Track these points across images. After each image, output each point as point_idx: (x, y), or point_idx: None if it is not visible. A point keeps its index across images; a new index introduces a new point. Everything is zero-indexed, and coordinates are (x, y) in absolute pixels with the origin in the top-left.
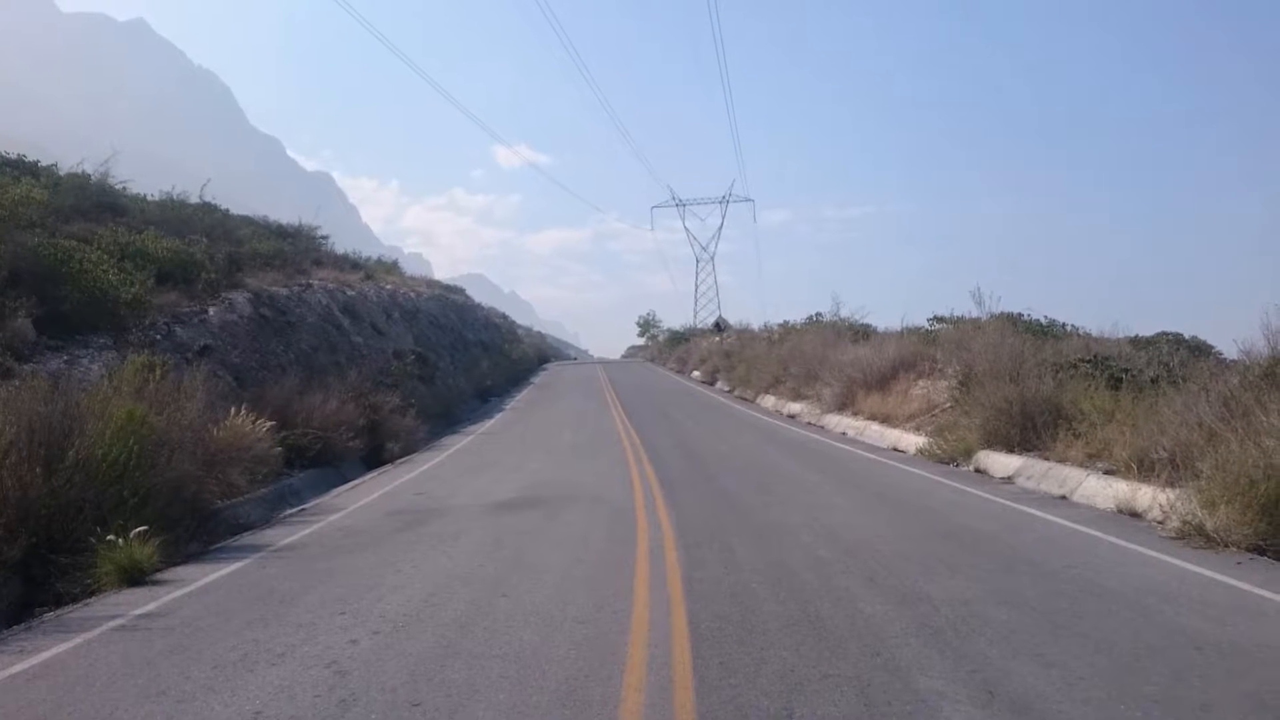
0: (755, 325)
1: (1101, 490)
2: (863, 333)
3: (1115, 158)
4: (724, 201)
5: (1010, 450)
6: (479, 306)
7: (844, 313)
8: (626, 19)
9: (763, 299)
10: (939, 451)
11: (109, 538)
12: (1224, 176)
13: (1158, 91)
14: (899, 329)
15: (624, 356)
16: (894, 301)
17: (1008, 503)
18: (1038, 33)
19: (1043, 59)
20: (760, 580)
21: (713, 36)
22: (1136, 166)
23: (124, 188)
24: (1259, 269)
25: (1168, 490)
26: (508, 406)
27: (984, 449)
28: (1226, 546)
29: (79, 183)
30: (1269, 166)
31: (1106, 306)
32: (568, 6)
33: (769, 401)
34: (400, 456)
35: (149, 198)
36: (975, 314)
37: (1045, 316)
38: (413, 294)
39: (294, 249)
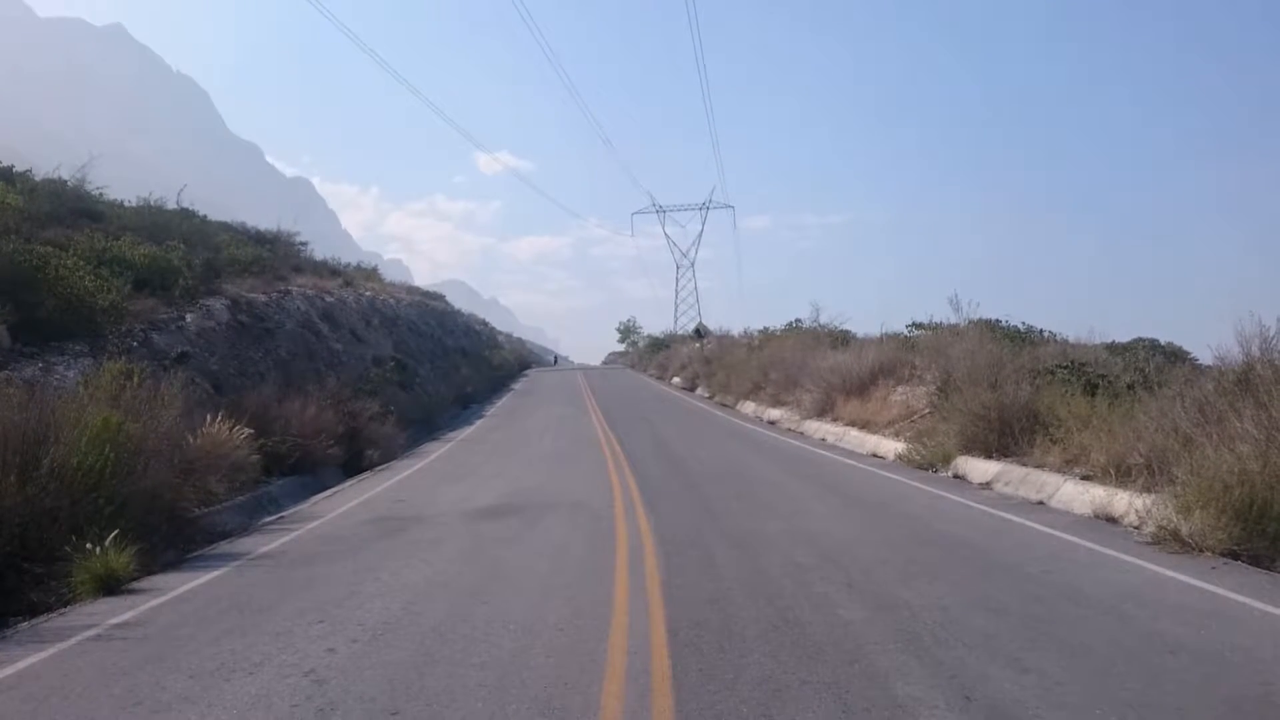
0: (735, 331)
1: (1078, 495)
2: (842, 339)
3: (1093, 167)
4: (704, 208)
5: (988, 456)
6: (459, 313)
7: (823, 319)
8: (608, 28)
9: (743, 305)
10: (918, 457)
11: (85, 546)
12: (1206, 187)
13: (1133, 100)
14: (878, 335)
15: (604, 363)
16: (873, 307)
17: (986, 508)
18: (1013, 44)
19: (1021, 72)
20: (739, 587)
21: (693, 46)
22: (1113, 174)
23: (101, 193)
24: (1236, 276)
25: (1144, 495)
26: (488, 413)
27: (962, 455)
28: (1202, 551)
29: (55, 188)
30: (1250, 179)
31: (1083, 313)
32: (549, 14)
33: (749, 408)
34: (379, 463)
35: (126, 203)
36: (954, 320)
37: (1023, 323)
38: (392, 300)
39: (273, 255)
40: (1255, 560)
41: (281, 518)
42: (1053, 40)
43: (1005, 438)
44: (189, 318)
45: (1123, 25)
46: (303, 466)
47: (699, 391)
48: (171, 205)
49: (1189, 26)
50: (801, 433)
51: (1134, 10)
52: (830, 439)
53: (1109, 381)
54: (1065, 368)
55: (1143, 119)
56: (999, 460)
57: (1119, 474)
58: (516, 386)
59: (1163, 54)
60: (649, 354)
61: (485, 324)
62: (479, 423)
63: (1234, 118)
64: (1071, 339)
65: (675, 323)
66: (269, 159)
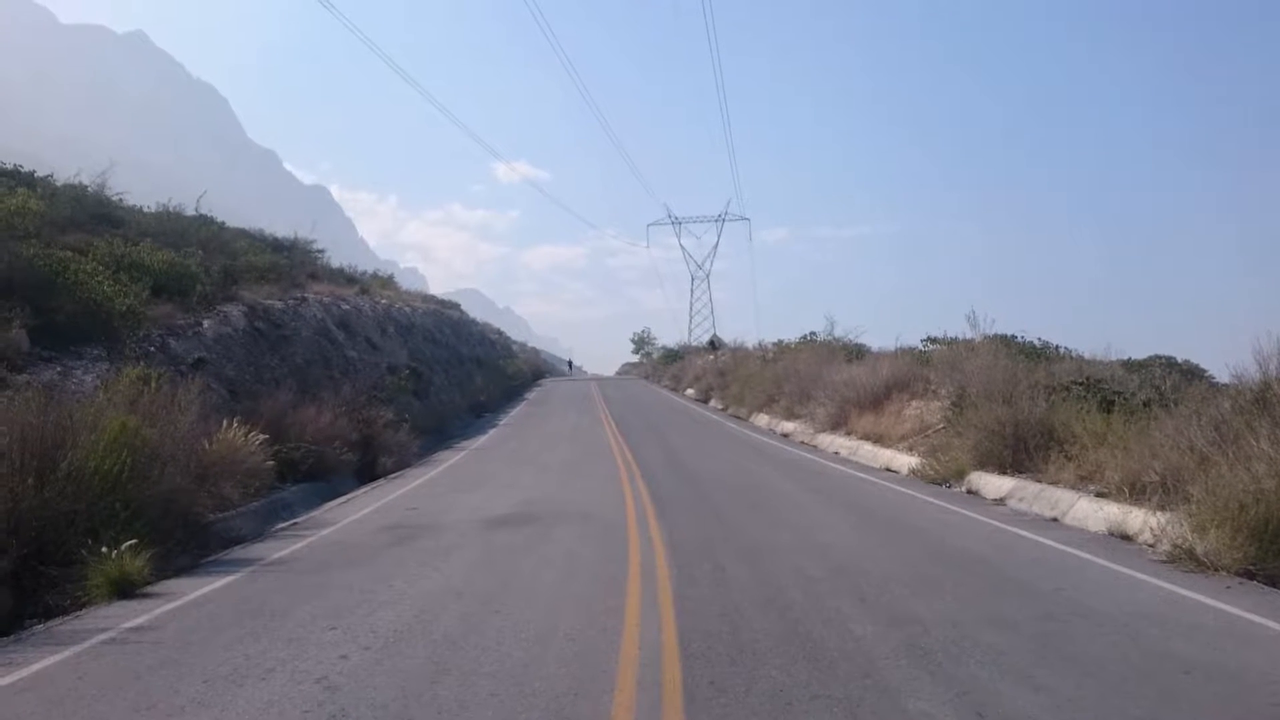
0: (750, 343)
1: (1093, 513)
2: (857, 352)
3: (1105, 179)
4: (720, 220)
5: (1003, 472)
6: (474, 322)
7: (838, 332)
8: (627, 40)
9: (758, 317)
10: (931, 472)
11: (100, 550)
12: (1224, 199)
13: (1139, 109)
14: (893, 349)
15: (618, 373)
16: (889, 321)
17: (999, 524)
18: (1021, 53)
19: (1030, 82)
20: (751, 599)
21: (711, 58)
22: (1124, 186)
23: (120, 199)
24: (1252, 293)
25: (1159, 513)
26: (502, 422)
27: (976, 470)
28: (1216, 570)
29: (75, 193)
30: (1260, 192)
31: (1095, 324)
32: (569, 26)
33: (762, 420)
34: (393, 471)
35: (145, 209)
36: (969, 335)
37: (1039, 338)
38: (408, 308)
39: (290, 262)
40: (1271, 580)
41: (295, 524)
42: (1061, 49)
43: (1019, 454)
44: (206, 324)
45: (1129, 30)
46: (317, 473)
47: (713, 403)
48: (190, 211)
49: (1191, 30)
50: (815, 446)
51: (1142, 16)
52: (843, 453)
53: (1125, 398)
54: (1080, 384)
55: (1149, 130)
56: (1013, 476)
57: (1134, 492)
58: (530, 396)
59: (1166, 59)
60: (663, 365)
61: (500, 333)
62: (493, 432)
63: (1239, 126)
64: (1087, 355)
65: (690, 334)
66: (287, 166)
